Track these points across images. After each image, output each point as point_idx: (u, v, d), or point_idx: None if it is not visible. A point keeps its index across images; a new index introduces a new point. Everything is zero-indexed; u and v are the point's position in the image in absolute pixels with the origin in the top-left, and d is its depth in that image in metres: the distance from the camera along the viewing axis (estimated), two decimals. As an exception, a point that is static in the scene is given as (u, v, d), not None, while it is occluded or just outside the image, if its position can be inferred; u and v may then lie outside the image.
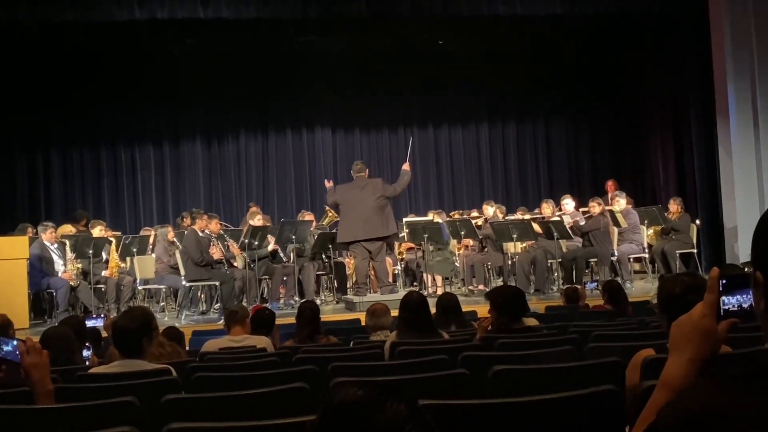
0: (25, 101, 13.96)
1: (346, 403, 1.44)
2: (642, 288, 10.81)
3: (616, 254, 11.05)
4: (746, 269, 1.65)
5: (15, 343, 2.78)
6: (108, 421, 2.60)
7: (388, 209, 10.18)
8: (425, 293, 10.86)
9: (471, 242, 11.83)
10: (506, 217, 11.78)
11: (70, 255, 10.45)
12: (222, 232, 10.98)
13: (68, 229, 11.66)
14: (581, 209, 11.71)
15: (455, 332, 5.47)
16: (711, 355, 1.53)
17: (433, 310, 5.40)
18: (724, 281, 1.53)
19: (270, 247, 10.88)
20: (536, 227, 10.95)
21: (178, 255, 10.45)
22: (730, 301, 1.53)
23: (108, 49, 13.65)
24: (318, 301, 9.61)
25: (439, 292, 10.48)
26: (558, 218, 11.10)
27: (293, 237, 10.71)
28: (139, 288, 11.06)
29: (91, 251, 10.32)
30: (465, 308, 6.76)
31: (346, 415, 1.44)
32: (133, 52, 14.01)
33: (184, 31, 12.67)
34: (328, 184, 10.74)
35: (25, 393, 2.88)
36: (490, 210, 11.98)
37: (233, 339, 5.53)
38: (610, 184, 13.57)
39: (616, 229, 11.16)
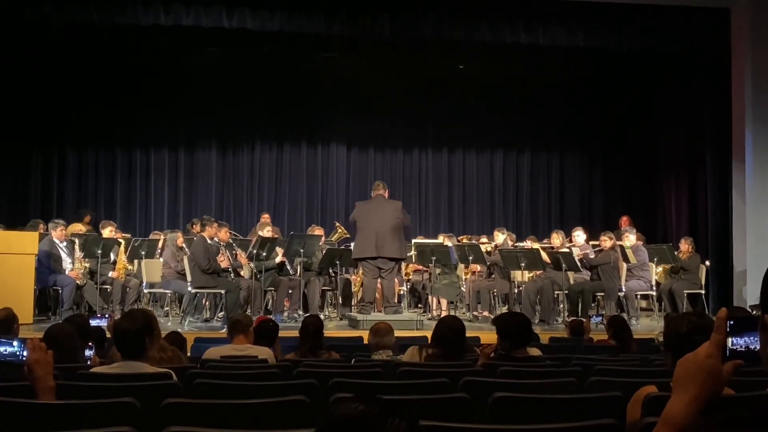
0: (45, 98, 14.08)
1: (348, 417, 1.45)
2: (647, 325, 10.74)
3: (623, 290, 11.01)
4: (754, 312, 1.65)
5: (16, 343, 2.79)
6: (107, 420, 2.61)
7: (402, 234, 10.28)
8: (429, 316, 10.90)
9: (478, 268, 11.81)
10: (516, 245, 11.77)
11: (78, 254, 10.49)
12: (231, 240, 11.01)
13: (78, 227, 11.72)
14: (591, 242, 11.69)
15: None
16: (714, 395, 1.53)
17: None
18: (731, 322, 1.53)
19: (277, 259, 10.89)
20: (545, 257, 10.93)
21: (185, 261, 10.47)
22: (737, 343, 1.53)
23: (131, 53, 13.75)
24: (322, 316, 9.59)
25: (443, 315, 10.45)
26: (567, 250, 11.07)
27: (301, 251, 10.71)
28: (145, 291, 11.08)
29: (99, 251, 10.36)
30: (468, 334, 6.73)
31: (346, 429, 1.44)
32: (155, 57, 14.11)
33: (207, 40, 12.75)
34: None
35: (27, 388, 2.89)
36: (500, 237, 11.96)
37: (236, 347, 5.53)
38: (623, 220, 13.54)
39: (624, 265, 11.12)
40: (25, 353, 2.75)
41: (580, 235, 11.66)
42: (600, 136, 15.77)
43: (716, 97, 12.46)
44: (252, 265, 10.60)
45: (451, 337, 4.92)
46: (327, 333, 6.73)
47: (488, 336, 7.18)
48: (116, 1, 11.09)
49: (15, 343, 2.79)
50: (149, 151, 15.24)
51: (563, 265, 10.62)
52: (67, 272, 10.27)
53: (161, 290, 11.05)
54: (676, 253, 11.57)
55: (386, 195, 10.54)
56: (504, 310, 11.23)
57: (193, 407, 3.21)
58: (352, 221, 10.62)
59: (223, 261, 10.35)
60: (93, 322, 6.97)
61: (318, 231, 12.01)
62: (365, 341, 6.54)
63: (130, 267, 11.24)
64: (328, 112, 15.37)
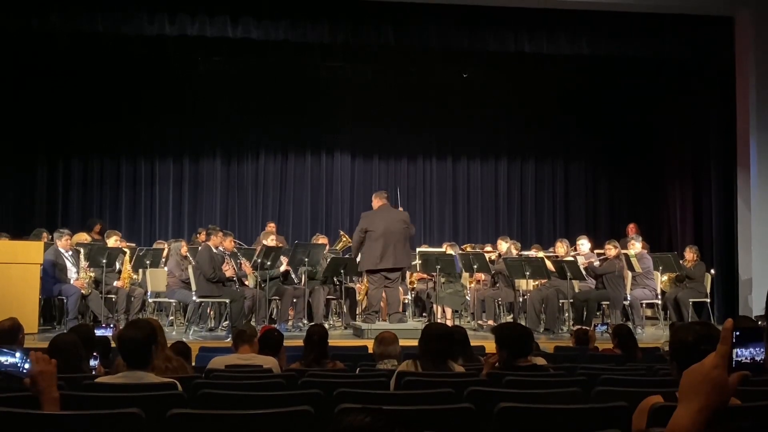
0: (49, 108, 14.12)
1: (355, 429, 1.45)
2: (653, 334, 10.73)
3: (628, 298, 10.98)
4: (759, 322, 1.65)
5: (19, 354, 2.78)
6: (113, 431, 2.60)
7: (408, 242, 10.28)
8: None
9: (483, 276, 11.79)
10: (520, 254, 11.75)
11: (83, 263, 10.51)
12: (236, 249, 11.01)
13: (83, 237, 11.72)
14: (596, 251, 11.67)
15: (462, 366, 5.43)
16: (720, 406, 1.52)
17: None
18: (737, 333, 1.52)
19: (282, 268, 10.90)
20: (550, 266, 10.90)
21: (190, 270, 10.47)
22: (743, 354, 1.52)
23: (136, 62, 13.81)
24: (326, 326, 9.59)
25: (448, 324, 10.43)
26: (572, 258, 11.06)
27: (306, 259, 10.71)
28: (150, 300, 11.08)
29: (104, 261, 10.36)
30: (473, 343, 6.74)
31: (352, 441, 1.44)
32: (160, 67, 14.17)
33: (212, 49, 12.80)
34: None
35: (31, 398, 2.89)
36: (504, 245, 11.95)
37: (240, 357, 5.52)
38: (631, 228, 13.51)
39: (629, 273, 11.10)
40: (26, 365, 2.74)
41: (584, 244, 11.64)
42: (604, 144, 15.75)
43: (720, 105, 12.45)
44: (256, 274, 10.61)
45: (435, 344, 4.78)
46: (331, 342, 6.70)
47: (493, 345, 7.15)
48: (122, 11, 11.13)
49: (17, 354, 2.78)
50: (154, 160, 15.25)
51: (568, 274, 10.61)
52: (72, 282, 10.28)
53: (166, 299, 11.04)
54: (681, 261, 11.54)
55: (388, 203, 10.56)
56: (509, 319, 11.22)
57: (197, 418, 3.21)
58: (363, 231, 10.34)
59: (228, 270, 10.35)
60: (98, 332, 6.95)
61: (322, 240, 12.01)
62: (370, 350, 6.53)
63: (134, 276, 11.23)
64: (333, 121, 15.39)
